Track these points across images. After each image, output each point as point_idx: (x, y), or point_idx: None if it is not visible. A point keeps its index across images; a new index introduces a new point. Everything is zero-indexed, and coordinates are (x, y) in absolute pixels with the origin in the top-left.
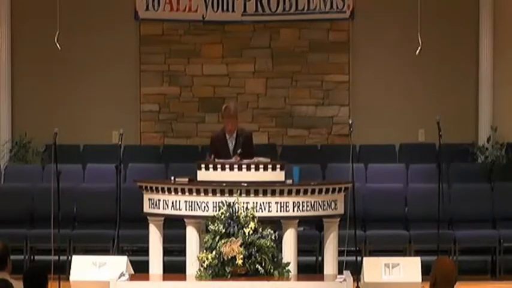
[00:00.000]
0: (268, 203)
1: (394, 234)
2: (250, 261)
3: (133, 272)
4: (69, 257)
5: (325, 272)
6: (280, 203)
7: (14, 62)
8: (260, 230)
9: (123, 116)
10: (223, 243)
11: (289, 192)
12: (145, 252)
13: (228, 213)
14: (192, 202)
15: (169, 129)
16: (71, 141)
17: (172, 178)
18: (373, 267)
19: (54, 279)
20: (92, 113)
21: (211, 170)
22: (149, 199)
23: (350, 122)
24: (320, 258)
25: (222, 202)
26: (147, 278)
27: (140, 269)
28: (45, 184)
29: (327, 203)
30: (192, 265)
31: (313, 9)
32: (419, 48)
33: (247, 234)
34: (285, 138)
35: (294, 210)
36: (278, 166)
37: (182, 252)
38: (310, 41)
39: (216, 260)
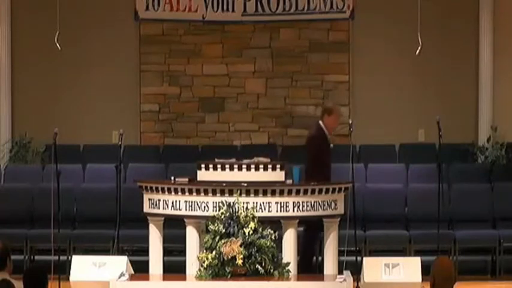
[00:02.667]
0: (268, 203)
1: (394, 234)
2: (250, 261)
3: (133, 272)
4: (69, 257)
5: (325, 272)
6: (280, 203)
7: (14, 61)
8: (260, 230)
9: (123, 116)
10: (223, 243)
11: (289, 192)
12: (145, 252)
13: (228, 213)
14: (192, 202)
15: (169, 129)
16: (71, 141)
17: (172, 178)
18: (373, 267)
19: (54, 279)
20: (92, 113)
21: (211, 170)
22: (149, 199)
23: (350, 122)
24: (320, 258)
25: (222, 202)
26: (147, 278)
27: (140, 269)
28: (45, 184)
29: (327, 203)
30: (192, 265)
31: (313, 9)
32: (419, 48)
33: (247, 234)
34: (285, 138)
35: (294, 210)
36: (278, 166)
37: (182, 252)
38: (310, 41)
39: (216, 260)
